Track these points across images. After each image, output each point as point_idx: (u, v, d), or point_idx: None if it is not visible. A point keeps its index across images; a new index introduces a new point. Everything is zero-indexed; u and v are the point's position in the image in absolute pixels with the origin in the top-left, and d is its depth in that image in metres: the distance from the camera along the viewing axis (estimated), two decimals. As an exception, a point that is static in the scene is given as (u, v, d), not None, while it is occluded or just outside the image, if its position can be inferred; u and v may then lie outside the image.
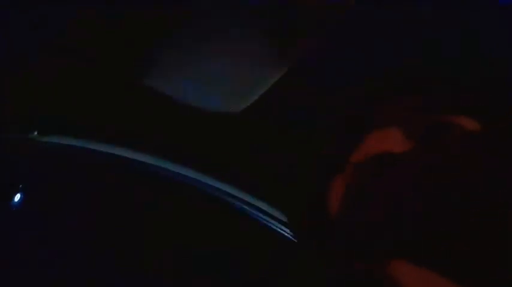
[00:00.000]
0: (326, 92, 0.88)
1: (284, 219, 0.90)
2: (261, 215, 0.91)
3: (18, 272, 0.94)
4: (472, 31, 0.85)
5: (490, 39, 0.84)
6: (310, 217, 0.84)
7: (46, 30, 0.87)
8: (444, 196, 0.70)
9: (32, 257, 0.95)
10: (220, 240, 0.91)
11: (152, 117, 0.92)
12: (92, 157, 0.96)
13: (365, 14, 0.87)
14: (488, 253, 0.69)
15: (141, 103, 0.92)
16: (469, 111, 0.77)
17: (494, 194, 0.70)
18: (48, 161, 0.98)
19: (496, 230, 0.69)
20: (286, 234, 0.89)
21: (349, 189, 0.76)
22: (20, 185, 0.98)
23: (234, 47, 0.89)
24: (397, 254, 0.70)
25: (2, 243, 0.95)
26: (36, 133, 0.93)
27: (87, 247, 0.95)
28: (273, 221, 0.90)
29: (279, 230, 0.90)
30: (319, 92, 0.88)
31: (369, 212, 0.72)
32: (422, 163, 0.73)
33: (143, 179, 0.96)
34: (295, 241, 0.87)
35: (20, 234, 0.96)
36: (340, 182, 0.78)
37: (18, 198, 0.97)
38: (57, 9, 0.85)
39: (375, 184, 0.73)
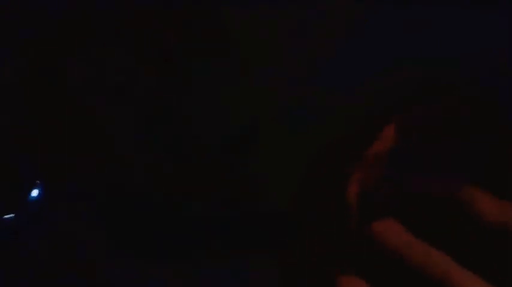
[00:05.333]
0: (326, 92, 0.88)
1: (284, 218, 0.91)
2: (260, 214, 0.91)
3: (34, 269, 0.95)
4: (472, 31, 0.85)
5: (490, 39, 0.84)
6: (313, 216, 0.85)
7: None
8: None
9: (48, 254, 0.96)
10: (219, 240, 0.91)
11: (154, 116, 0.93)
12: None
13: (366, 14, 0.88)
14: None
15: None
16: None
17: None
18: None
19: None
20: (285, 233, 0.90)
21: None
22: (37, 181, 0.99)
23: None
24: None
25: (19, 240, 0.96)
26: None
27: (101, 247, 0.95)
28: (273, 221, 0.91)
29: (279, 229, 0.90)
30: (319, 91, 0.88)
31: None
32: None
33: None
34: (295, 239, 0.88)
35: (36, 230, 0.97)
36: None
37: (36, 193, 0.98)
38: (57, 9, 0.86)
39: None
